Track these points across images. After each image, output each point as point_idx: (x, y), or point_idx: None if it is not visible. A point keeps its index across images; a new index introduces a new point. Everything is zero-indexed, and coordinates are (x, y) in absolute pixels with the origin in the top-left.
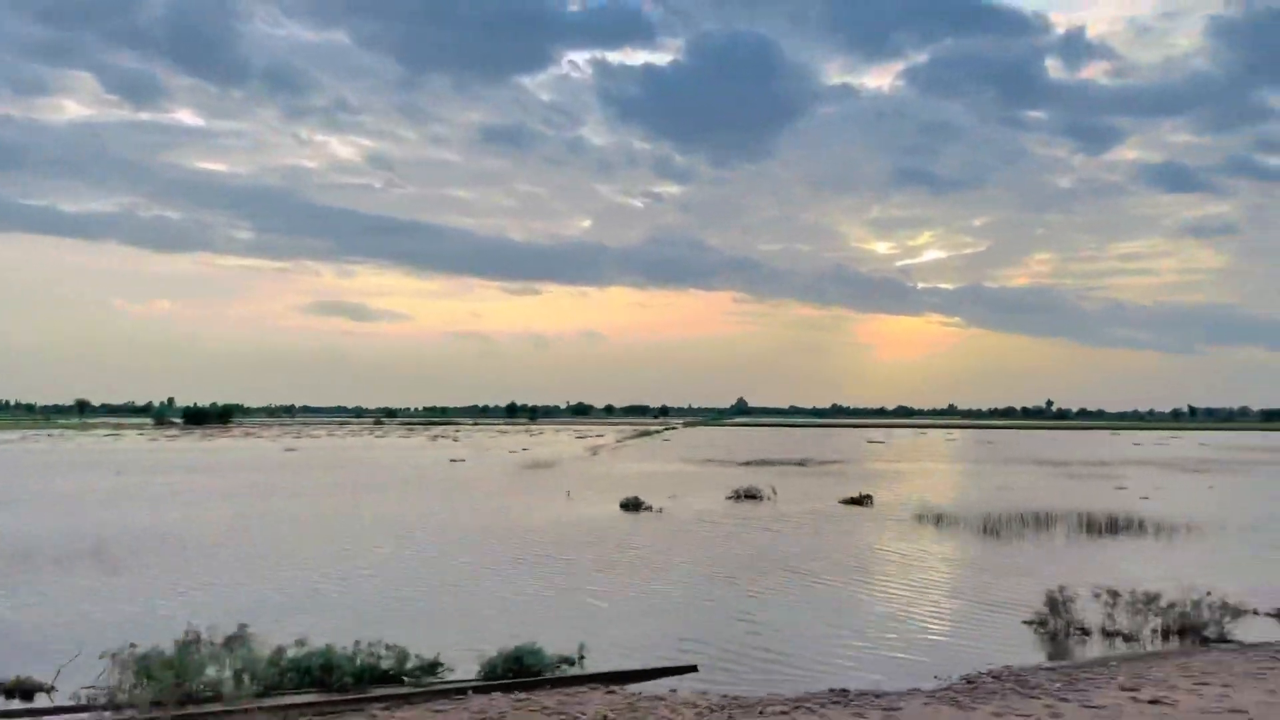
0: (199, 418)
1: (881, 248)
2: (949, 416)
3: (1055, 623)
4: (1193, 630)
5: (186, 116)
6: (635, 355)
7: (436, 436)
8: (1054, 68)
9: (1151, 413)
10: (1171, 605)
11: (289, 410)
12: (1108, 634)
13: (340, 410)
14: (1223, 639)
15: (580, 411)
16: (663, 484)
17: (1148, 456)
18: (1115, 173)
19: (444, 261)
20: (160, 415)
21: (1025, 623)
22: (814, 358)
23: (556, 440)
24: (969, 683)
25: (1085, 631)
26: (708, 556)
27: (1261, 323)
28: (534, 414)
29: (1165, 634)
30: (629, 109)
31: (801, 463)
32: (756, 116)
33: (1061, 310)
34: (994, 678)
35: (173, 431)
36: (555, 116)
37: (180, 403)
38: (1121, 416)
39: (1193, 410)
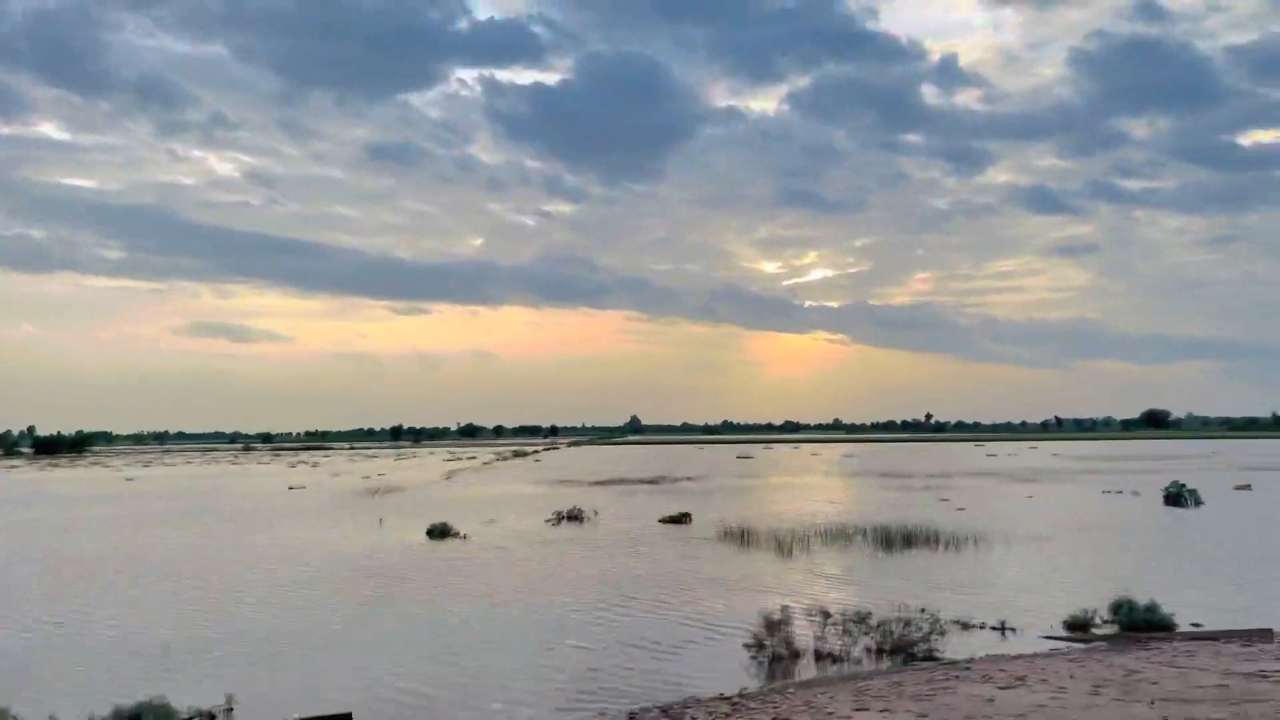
0: (51, 447)
1: (770, 267)
2: (834, 431)
3: (772, 645)
4: (902, 648)
5: (51, 130)
6: (528, 375)
7: (297, 463)
8: (929, 94)
9: (1023, 424)
10: (881, 624)
11: (160, 437)
12: (820, 656)
13: (217, 436)
14: (930, 656)
15: (469, 433)
16: (495, 507)
17: (994, 468)
18: (988, 195)
19: (328, 281)
20: (13, 445)
21: (745, 645)
22: (706, 375)
23: (423, 464)
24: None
25: (798, 654)
26: (465, 589)
27: (1122, 337)
28: (419, 436)
29: (878, 653)
30: (519, 128)
31: (654, 481)
32: (646, 137)
33: (941, 327)
34: (663, 712)
35: (15, 462)
36: (444, 134)
37: (42, 431)
38: (995, 428)
39: (1059, 421)
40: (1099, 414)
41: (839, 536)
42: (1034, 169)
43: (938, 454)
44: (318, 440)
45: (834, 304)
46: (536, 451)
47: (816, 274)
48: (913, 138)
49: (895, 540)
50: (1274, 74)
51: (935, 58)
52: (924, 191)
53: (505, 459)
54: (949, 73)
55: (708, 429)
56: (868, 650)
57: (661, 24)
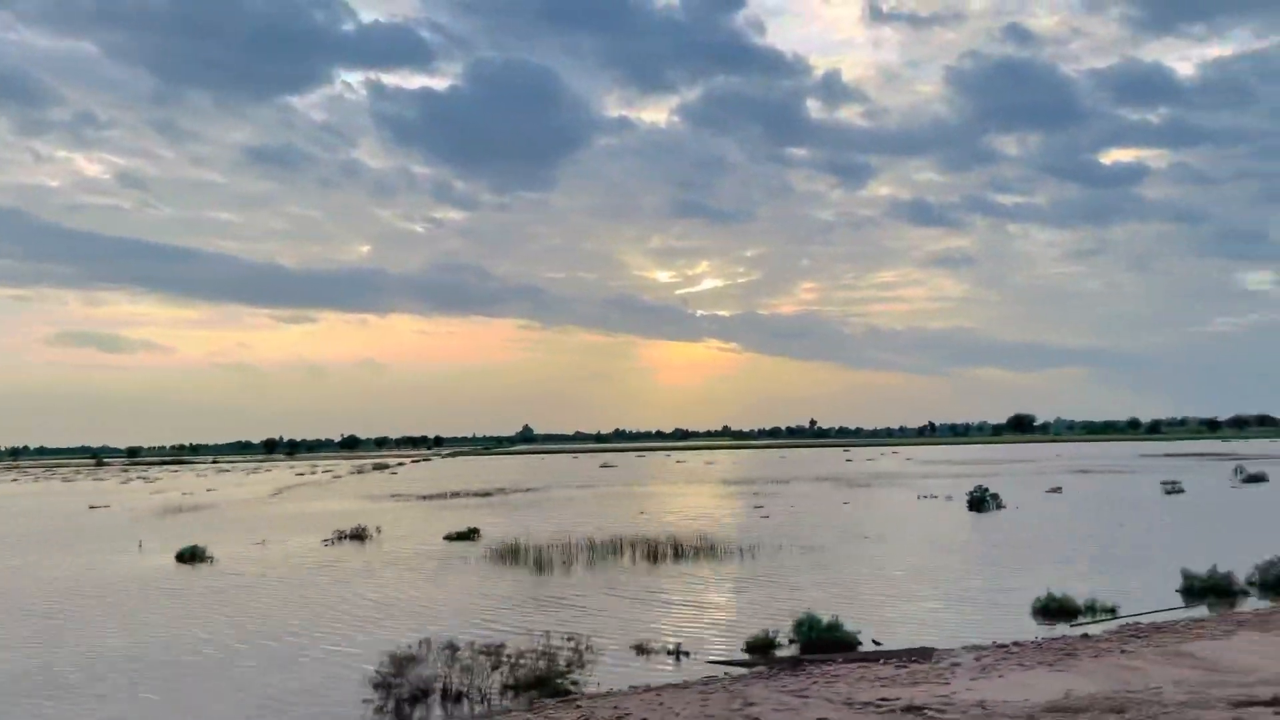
0: None
1: (663, 276)
2: (722, 438)
3: (401, 685)
4: (538, 683)
5: None
6: (419, 385)
7: (135, 479)
8: (814, 108)
9: (902, 429)
10: (516, 656)
11: (16, 452)
12: (447, 695)
13: (83, 450)
14: (566, 691)
15: (350, 445)
16: (286, 526)
17: (842, 473)
18: (870, 207)
19: (207, 288)
20: None
21: (375, 686)
22: (600, 384)
23: (270, 478)
24: None
25: (427, 695)
26: (141, 621)
27: (996, 345)
28: (295, 448)
29: (513, 689)
30: (406, 132)
31: (490, 494)
32: (537, 145)
33: (826, 335)
34: None
35: None
36: (328, 138)
37: None
38: (875, 434)
39: (934, 427)
40: (974, 419)
41: (610, 551)
42: (913, 183)
43: (804, 459)
44: (187, 454)
45: (725, 313)
46: (402, 464)
47: (708, 283)
48: (799, 151)
49: (663, 554)
50: (1131, 97)
51: (819, 73)
52: (810, 203)
53: (362, 472)
54: (833, 88)
55: (600, 437)
56: (504, 687)
57: (551, 32)
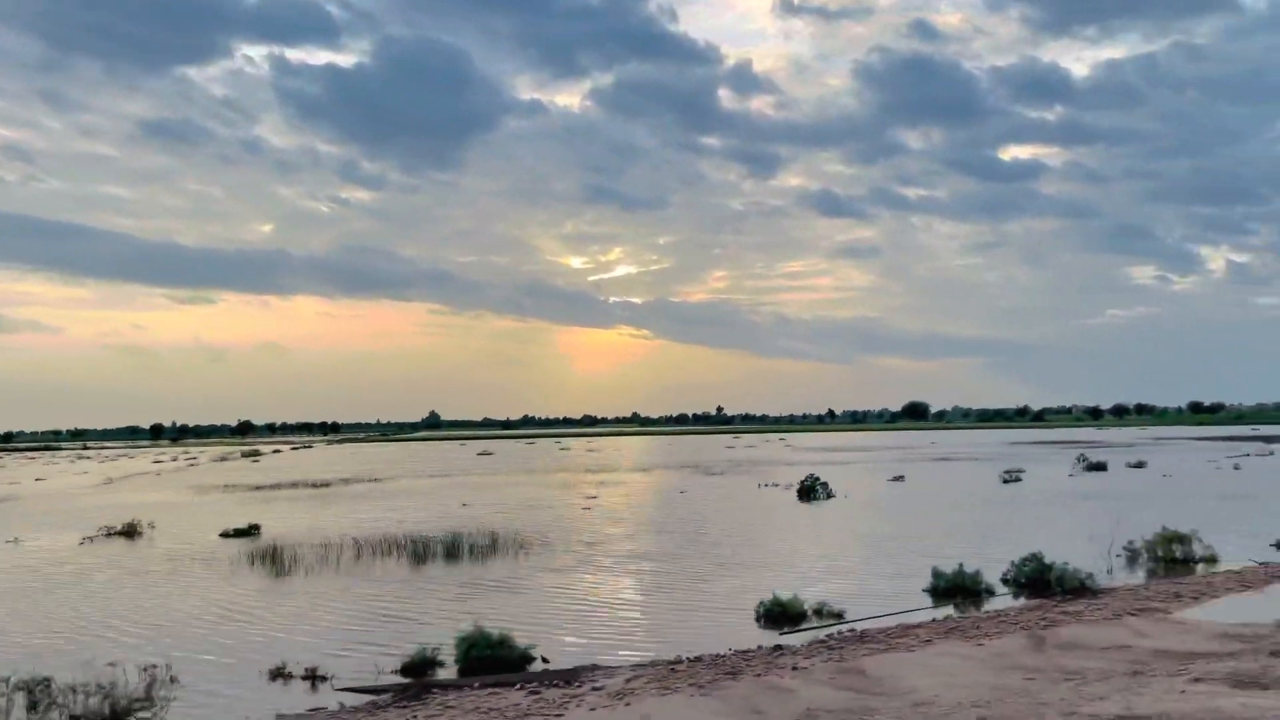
0: None
1: (576, 262)
2: (630, 424)
3: None
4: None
5: None
6: (322, 369)
7: None
8: (726, 97)
9: (805, 416)
10: (65, 691)
11: None
12: None
13: None
14: None
15: (243, 430)
16: (71, 521)
17: (709, 460)
18: (780, 197)
19: (99, 266)
20: None
21: None
22: (511, 370)
23: (117, 466)
24: None
25: None
26: None
27: (899, 335)
28: (185, 434)
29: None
30: (311, 109)
31: (326, 484)
32: (447, 126)
33: (736, 324)
34: None
35: None
36: (228, 113)
37: None
38: (779, 420)
39: (833, 414)
40: (876, 406)
41: (382, 550)
42: (822, 174)
43: (694, 446)
44: (65, 440)
45: (637, 300)
46: (278, 451)
47: (621, 270)
48: (711, 140)
49: (430, 553)
50: (1029, 95)
51: (731, 63)
52: (722, 192)
53: (226, 460)
54: (744, 78)
55: (508, 424)
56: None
57: (463, 11)
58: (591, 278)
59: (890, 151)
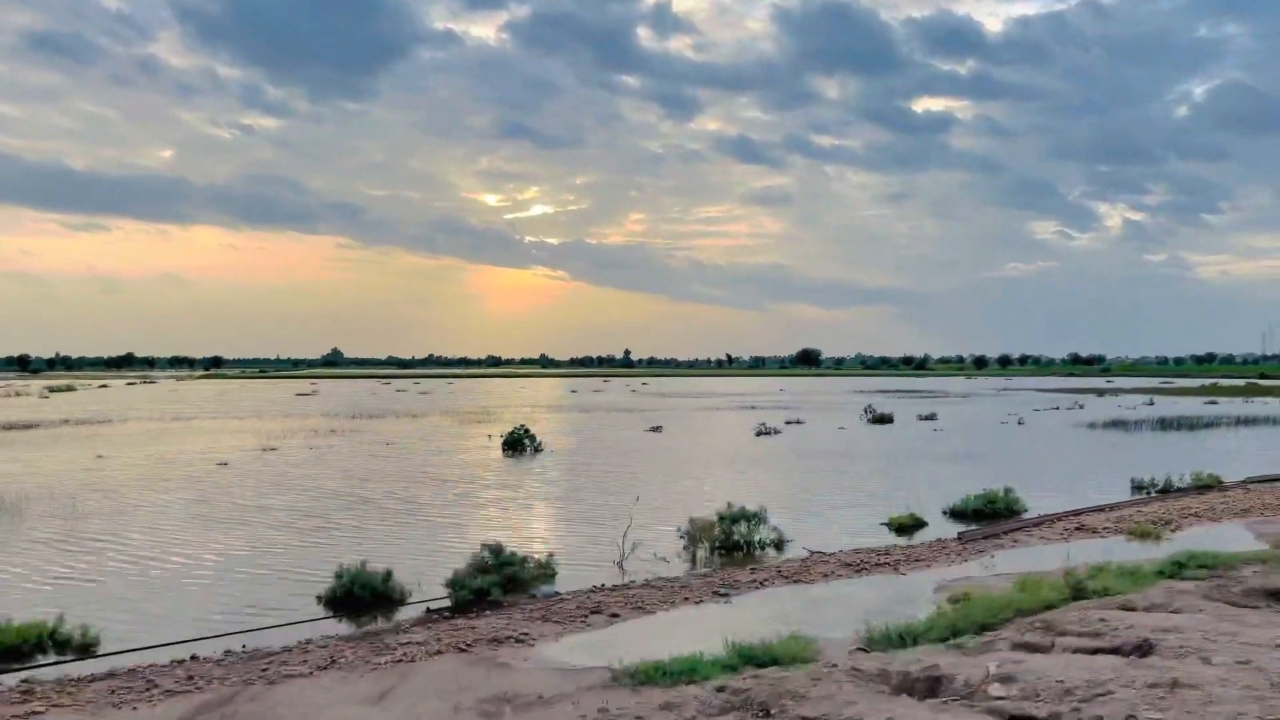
0: None
1: (491, 200)
2: (535, 366)
3: None
4: None
5: None
6: (223, 302)
7: None
8: (645, 37)
9: (708, 361)
10: None
11: None
12: None
13: None
14: None
15: (120, 364)
16: None
17: (525, 402)
18: (698, 141)
19: None
20: None
21: None
22: (421, 308)
23: None
24: None
25: None
26: None
27: (809, 282)
28: (50, 366)
29: None
30: (210, 29)
31: (32, 426)
32: (357, 53)
33: (652, 267)
34: None
35: None
36: (122, 29)
37: None
38: (683, 365)
39: (730, 359)
40: (786, 352)
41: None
42: (740, 119)
43: (563, 387)
44: None
45: (554, 240)
46: (106, 386)
47: (538, 209)
48: (629, 79)
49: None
50: (943, 48)
51: (650, 1)
52: (640, 134)
53: (19, 395)
54: (663, 18)
55: (411, 363)
56: None
57: None
58: (508, 216)
59: (806, 99)
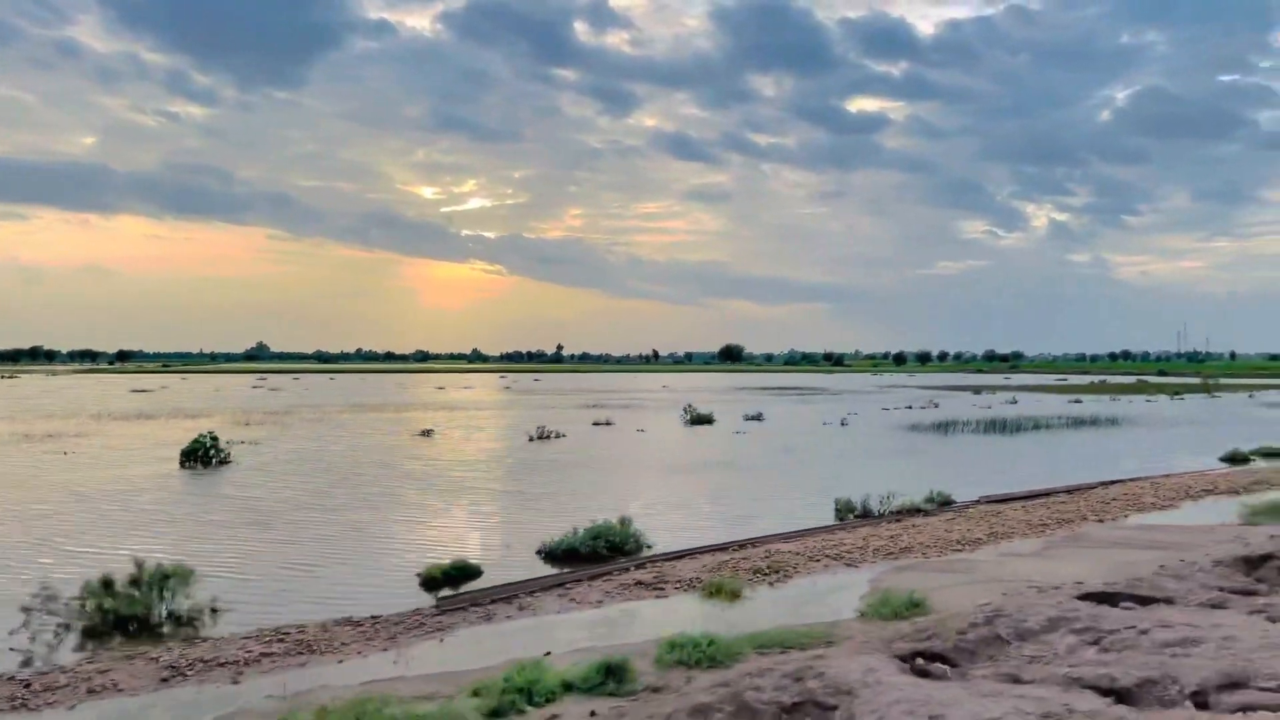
0: None
1: (427, 192)
2: (465, 361)
3: None
4: None
5: None
6: (147, 293)
7: None
8: (582, 31)
9: (636, 357)
10: None
11: None
12: None
13: None
14: None
15: (18, 357)
16: None
17: (382, 400)
18: (636, 137)
19: None
20: None
21: None
22: (352, 301)
23: None
24: None
25: None
26: None
27: (746, 279)
28: None
29: None
30: (133, 13)
31: None
32: (288, 41)
33: (591, 263)
34: None
35: None
36: (39, 11)
37: None
38: (616, 360)
39: (656, 355)
40: (715, 348)
41: None
42: (677, 116)
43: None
44: None
45: (491, 234)
46: None
47: (475, 203)
48: (566, 73)
49: None
50: (877, 49)
51: None
52: (578, 128)
53: None
54: (600, 12)
55: (340, 358)
56: None
57: None
58: (444, 209)
59: (743, 97)
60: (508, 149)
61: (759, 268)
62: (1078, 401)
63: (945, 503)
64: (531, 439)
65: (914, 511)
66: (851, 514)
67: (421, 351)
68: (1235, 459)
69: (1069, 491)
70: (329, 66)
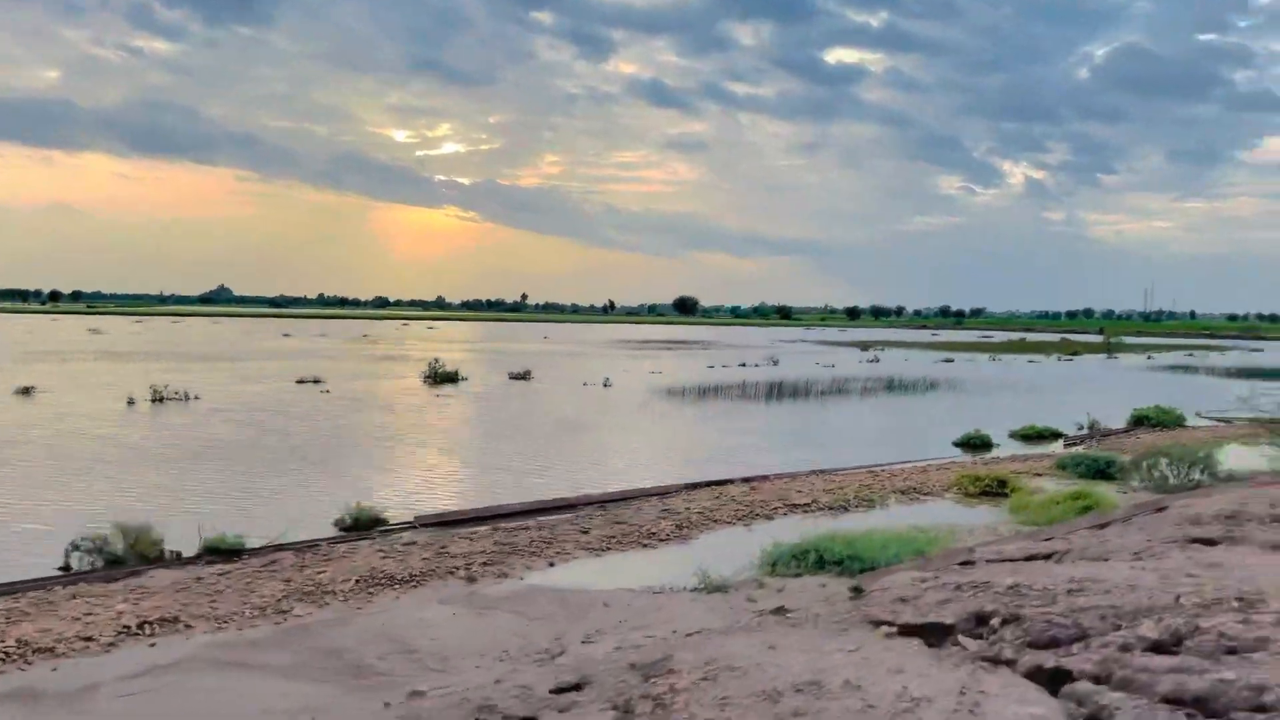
0: None
1: (400, 135)
2: (431, 308)
3: None
4: None
5: None
6: (113, 233)
7: None
8: None
9: (590, 307)
10: None
11: None
12: None
13: None
14: None
15: None
16: None
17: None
18: (613, 84)
19: None
20: None
21: None
22: (324, 246)
23: None
24: None
25: None
26: None
27: (723, 231)
28: None
29: None
30: None
31: None
32: None
33: (567, 211)
34: None
35: None
36: None
37: None
38: (581, 310)
39: (613, 305)
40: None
41: None
42: (655, 63)
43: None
44: None
45: (466, 180)
46: None
47: (449, 147)
48: (542, 15)
49: None
50: None
51: None
52: (553, 73)
53: None
54: None
55: (304, 302)
56: None
57: None
58: (418, 153)
59: (721, 45)
60: (482, 93)
61: (734, 221)
62: (949, 361)
63: (375, 523)
64: (153, 401)
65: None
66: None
67: (381, 298)
68: (974, 444)
69: (596, 504)
70: (297, 3)
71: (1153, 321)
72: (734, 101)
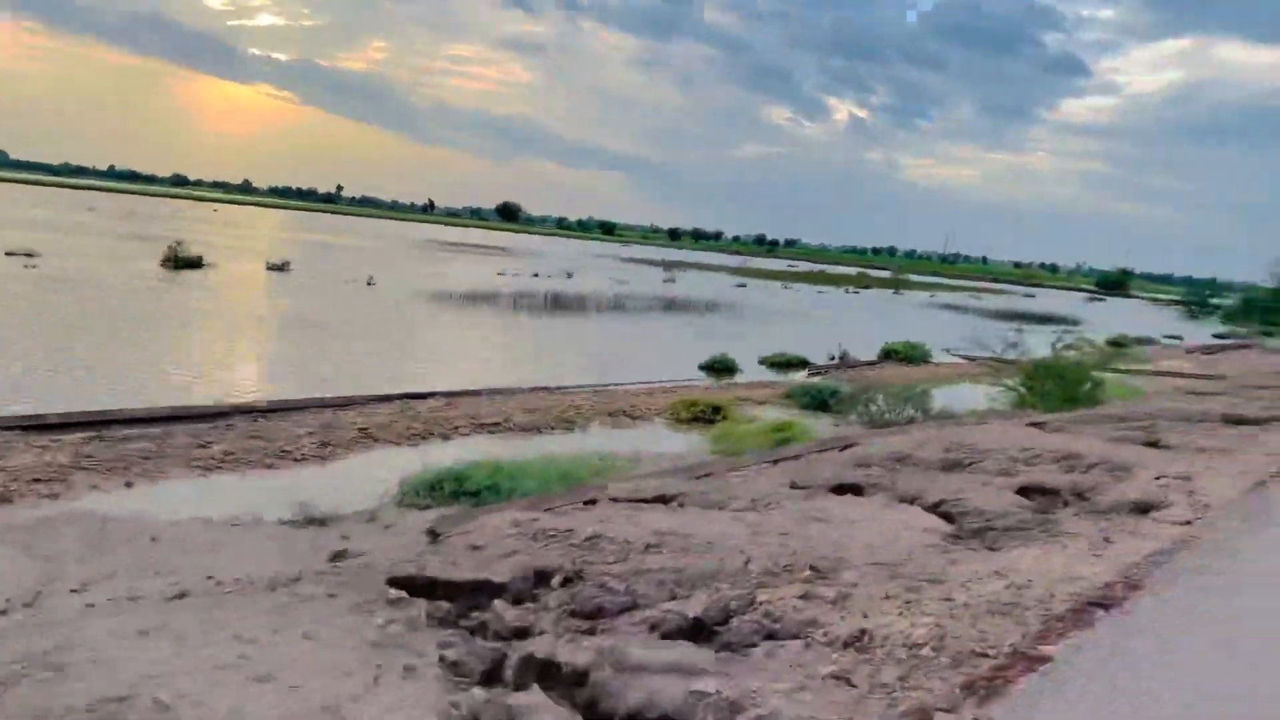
0: None
1: (214, 2)
2: (235, 192)
3: None
4: None
5: None
6: None
7: None
8: None
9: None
10: None
11: None
12: None
13: None
14: None
15: None
16: None
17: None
18: None
19: None
20: None
21: None
22: (118, 113)
23: None
24: None
25: None
26: None
27: (556, 139)
28: None
29: None
30: None
31: None
32: None
33: (394, 103)
34: None
35: None
36: None
37: None
38: (395, 208)
39: (433, 205)
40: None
41: None
42: None
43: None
44: None
45: (283, 56)
46: None
47: (266, 19)
48: None
49: None
50: None
51: None
52: None
53: None
54: None
55: (91, 172)
56: None
57: None
58: (231, 22)
59: None
60: None
61: (568, 130)
62: (742, 286)
63: None
64: None
65: None
66: None
67: (180, 175)
68: (718, 368)
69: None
70: None
71: (948, 264)
72: (576, 6)
